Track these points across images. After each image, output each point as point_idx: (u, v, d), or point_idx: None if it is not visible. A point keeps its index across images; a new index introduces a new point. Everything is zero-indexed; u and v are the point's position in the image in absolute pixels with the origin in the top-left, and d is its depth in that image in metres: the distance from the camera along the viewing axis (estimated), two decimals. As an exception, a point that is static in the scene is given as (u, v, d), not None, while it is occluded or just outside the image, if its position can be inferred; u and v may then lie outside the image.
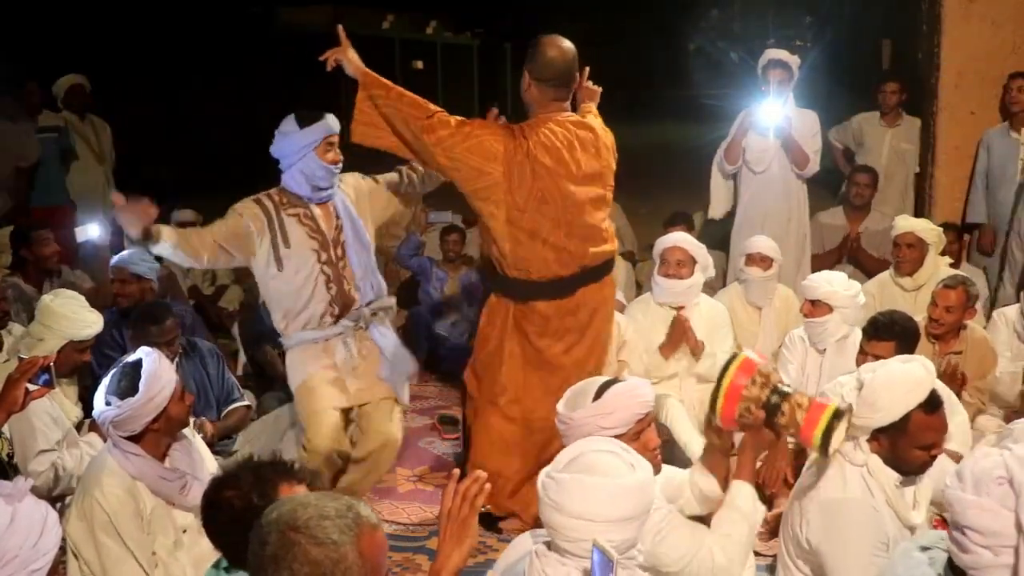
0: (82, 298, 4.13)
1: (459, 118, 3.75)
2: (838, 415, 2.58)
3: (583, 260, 3.83)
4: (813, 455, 3.13)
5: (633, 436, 2.61)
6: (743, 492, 2.74)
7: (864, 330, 3.99)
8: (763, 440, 2.76)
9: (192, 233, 3.85)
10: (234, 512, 2.20)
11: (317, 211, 3.85)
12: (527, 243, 3.76)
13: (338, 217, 3.89)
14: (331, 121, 3.79)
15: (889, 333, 3.87)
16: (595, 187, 3.84)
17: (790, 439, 4.34)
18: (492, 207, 3.73)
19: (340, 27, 3.84)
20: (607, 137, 3.95)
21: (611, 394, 2.66)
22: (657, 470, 2.60)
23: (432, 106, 3.75)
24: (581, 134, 3.82)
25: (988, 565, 1.87)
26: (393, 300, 4.17)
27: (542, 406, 3.73)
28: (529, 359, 3.90)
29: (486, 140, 3.66)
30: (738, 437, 2.91)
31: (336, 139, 3.82)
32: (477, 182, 3.71)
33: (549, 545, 2.17)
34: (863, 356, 3.90)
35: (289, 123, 3.77)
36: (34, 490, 3.40)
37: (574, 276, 3.83)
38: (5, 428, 3.19)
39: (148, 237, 3.69)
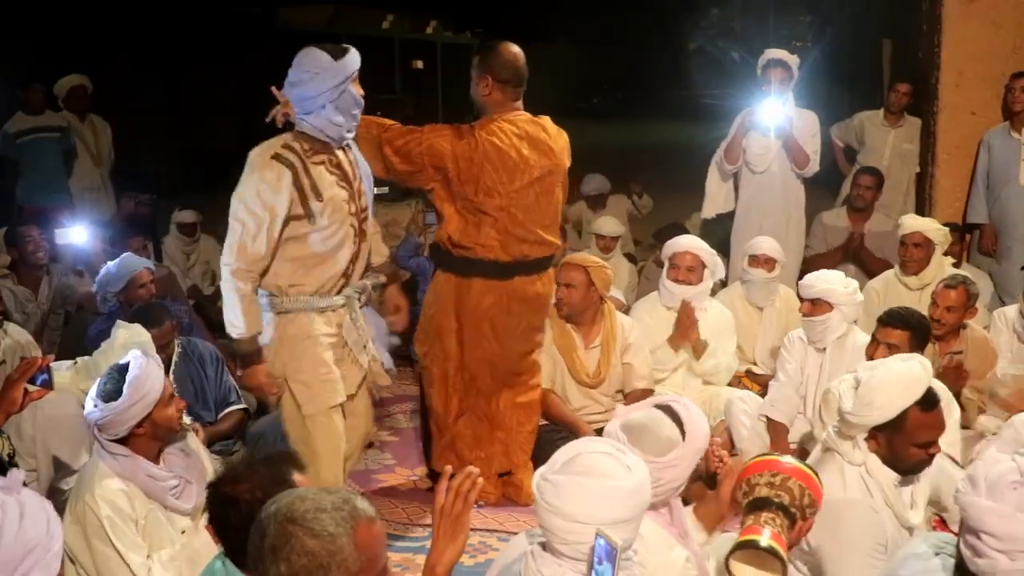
0: (150, 348, 3.99)
1: (410, 127, 4.00)
2: (744, 545, 2.26)
3: (523, 250, 4.08)
4: (811, 456, 3.14)
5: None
6: None
7: (880, 319, 4.00)
8: None
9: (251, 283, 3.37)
10: (250, 509, 2.17)
11: (341, 156, 3.47)
12: (473, 228, 4.04)
13: (357, 165, 3.54)
14: (356, 55, 3.45)
15: (905, 323, 3.90)
16: (543, 183, 4.06)
17: (792, 443, 4.39)
18: (446, 196, 4.01)
19: (273, 88, 3.75)
20: (560, 139, 4.16)
21: (691, 427, 2.57)
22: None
23: (386, 121, 4.03)
24: (532, 131, 4.05)
25: (1005, 570, 1.88)
26: (381, 276, 3.84)
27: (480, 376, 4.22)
28: (464, 336, 4.18)
29: (435, 141, 3.93)
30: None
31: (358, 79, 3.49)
32: (435, 179, 3.99)
33: (544, 546, 2.16)
34: (875, 345, 3.92)
35: (319, 58, 3.36)
36: (56, 504, 3.42)
37: (514, 263, 4.08)
38: (4, 427, 3.19)
39: (257, 353, 3.37)
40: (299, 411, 3.50)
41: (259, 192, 3.32)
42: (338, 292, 3.49)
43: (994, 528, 1.87)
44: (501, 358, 4.22)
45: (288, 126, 3.71)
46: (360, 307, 3.58)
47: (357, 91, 3.42)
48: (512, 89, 4.03)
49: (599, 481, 2.08)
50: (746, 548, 2.23)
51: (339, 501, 1.79)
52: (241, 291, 3.35)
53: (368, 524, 1.80)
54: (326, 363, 3.46)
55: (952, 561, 2.06)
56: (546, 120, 4.15)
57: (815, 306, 4.40)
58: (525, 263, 4.12)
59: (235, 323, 3.38)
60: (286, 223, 3.36)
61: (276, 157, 3.34)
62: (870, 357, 3.88)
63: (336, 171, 3.43)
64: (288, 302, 3.44)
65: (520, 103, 4.10)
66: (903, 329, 3.88)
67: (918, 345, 3.87)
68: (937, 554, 2.12)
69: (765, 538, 2.22)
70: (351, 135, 3.51)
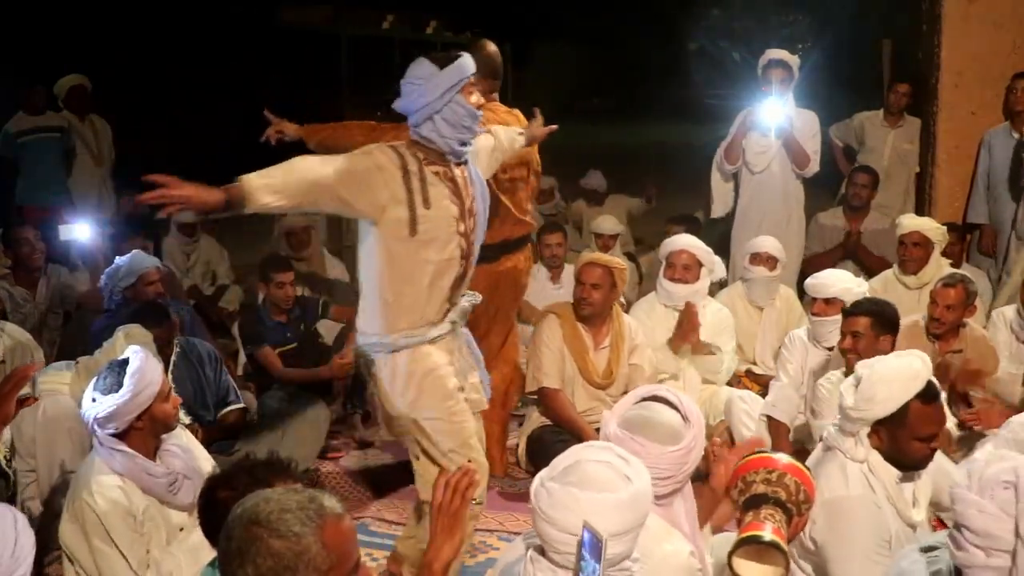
0: (151, 347, 3.86)
1: (394, 123, 3.93)
2: (747, 541, 2.26)
3: (504, 232, 4.31)
4: (813, 454, 3.14)
5: None
6: None
7: (842, 311, 4.08)
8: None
9: (293, 179, 3.03)
10: (229, 512, 2.21)
11: (456, 171, 3.29)
12: None
13: (472, 183, 3.34)
14: (469, 61, 3.26)
15: (863, 309, 3.95)
16: (518, 170, 4.33)
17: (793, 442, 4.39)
18: None
19: (266, 111, 3.92)
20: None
21: (686, 404, 2.57)
22: None
23: (371, 122, 4.14)
24: (511, 120, 4.25)
25: (980, 565, 1.90)
26: (478, 295, 3.60)
27: None
28: None
29: None
30: None
31: (475, 82, 3.30)
32: None
33: (542, 551, 2.14)
34: (842, 337, 3.97)
35: (425, 66, 3.20)
36: (55, 505, 3.44)
37: (498, 244, 4.26)
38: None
39: (231, 206, 2.93)
40: (429, 455, 3.33)
41: (362, 154, 3.18)
42: (445, 318, 3.33)
43: (975, 524, 1.90)
44: (485, 339, 4.30)
45: (280, 144, 3.74)
46: (454, 331, 3.42)
47: (468, 100, 3.21)
48: (488, 81, 4.23)
49: (592, 494, 2.05)
50: (749, 544, 2.23)
51: (304, 500, 1.77)
52: (295, 163, 3.06)
53: (336, 521, 1.77)
54: (453, 394, 3.31)
55: (938, 557, 2.09)
56: (518, 112, 4.35)
57: (829, 305, 4.41)
58: (508, 243, 4.36)
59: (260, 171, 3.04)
60: (381, 225, 3.18)
61: (392, 147, 3.23)
62: (841, 350, 3.97)
63: (449, 184, 3.25)
64: (401, 338, 3.24)
65: (496, 95, 4.35)
66: (863, 315, 3.92)
67: (884, 330, 3.90)
68: (928, 550, 2.15)
69: (768, 533, 2.23)
70: (466, 149, 3.31)
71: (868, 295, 4.50)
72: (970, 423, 3.97)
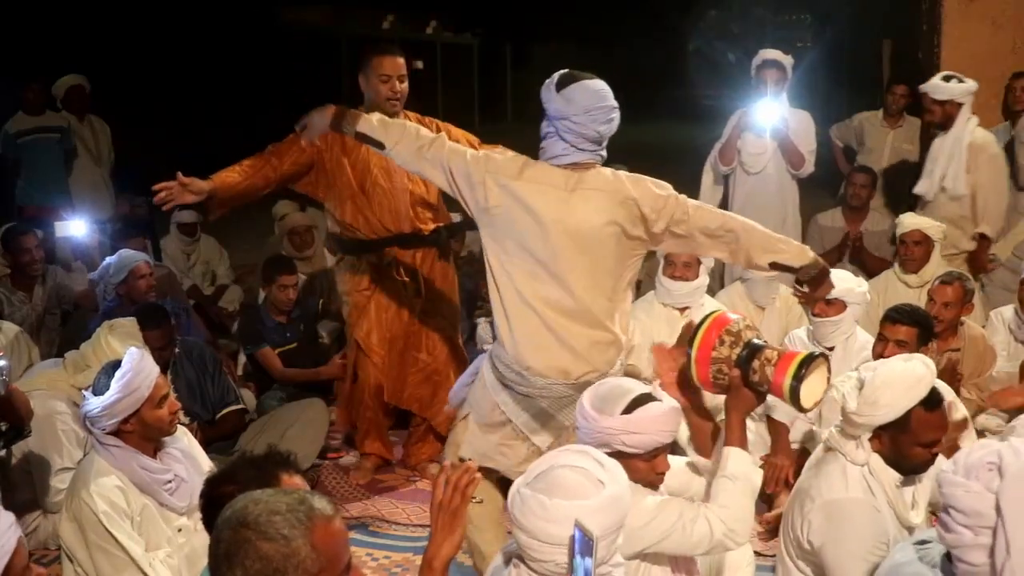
0: (139, 340, 3.89)
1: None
2: (808, 361, 2.35)
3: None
4: (813, 455, 3.14)
5: (647, 457, 2.50)
6: (734, 458, 2.53)
7: (887, 316, 4.00)
8: (745, 400, 2.56)
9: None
10: None
11: None
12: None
13: None
14: None
15: (913, 319, 3.91)
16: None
17: (794, 443, 4.39)
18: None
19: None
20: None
21: (644, 414, 2.46)
22: (655, 489, 2.57)
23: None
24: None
25: (968, 545, 1.94)
26: None
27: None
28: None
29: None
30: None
31: None
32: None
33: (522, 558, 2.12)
34: (883, 343, 3.92)
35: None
36: (53, 505, 3.43)
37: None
38: None
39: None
40: None
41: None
42: None
43: (962, 504, 1.93)
44: None
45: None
46: None
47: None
48: None
49: (560, 501, 2.03)
50: (808, 368, 2.39)
51: (294, 502, 1.75)
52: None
53: (325, 523, 1.75)
54: None
55: (930, 549, 2.12)
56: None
57: (830, 305, 4.38)
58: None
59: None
60: None
61: None
62: (878, 354, 3.88)
63: None
64: None
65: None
66: (911, 325, 3.89)
67: (924, 341, 3.89)
68: (918, 544, 2.18)
69: (808, 352, 2.46)
70: None
71: (869, 296, 4.51)
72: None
